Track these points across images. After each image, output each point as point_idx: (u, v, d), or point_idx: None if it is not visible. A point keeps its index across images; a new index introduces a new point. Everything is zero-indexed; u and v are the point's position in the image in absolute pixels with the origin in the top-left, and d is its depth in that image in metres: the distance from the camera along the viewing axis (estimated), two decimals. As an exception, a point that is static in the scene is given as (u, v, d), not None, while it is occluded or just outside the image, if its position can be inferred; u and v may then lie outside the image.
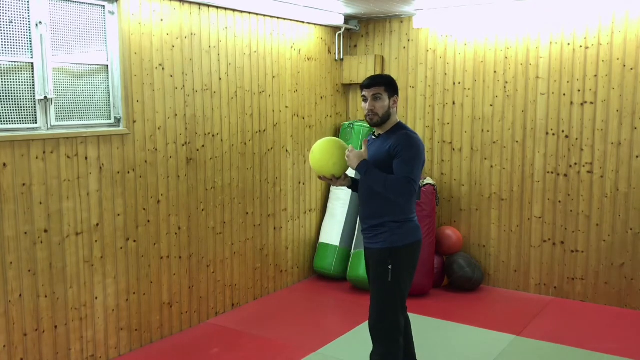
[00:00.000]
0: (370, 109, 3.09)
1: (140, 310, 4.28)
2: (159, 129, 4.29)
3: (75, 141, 3.76)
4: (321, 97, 5.86)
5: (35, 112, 3.59)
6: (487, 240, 5.62)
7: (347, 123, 5.94)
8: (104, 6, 3.91)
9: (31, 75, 3.55)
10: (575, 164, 5.12)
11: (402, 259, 3.09)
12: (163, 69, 4.28)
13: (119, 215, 4.07)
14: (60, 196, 3.71)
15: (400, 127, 3.15)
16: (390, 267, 3.05)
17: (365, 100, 3.12)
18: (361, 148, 3.19)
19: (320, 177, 3.24)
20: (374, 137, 3.23)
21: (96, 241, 3.95)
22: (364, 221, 3.20)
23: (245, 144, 5.04)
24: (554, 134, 5.18)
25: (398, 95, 3.19)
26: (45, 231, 3.65)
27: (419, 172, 3.05)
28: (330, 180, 3.21)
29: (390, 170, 3.04)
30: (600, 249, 5.09)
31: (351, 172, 3.46)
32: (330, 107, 6.00)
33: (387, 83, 3.12)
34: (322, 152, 3.17)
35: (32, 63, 3.55)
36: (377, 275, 3.10)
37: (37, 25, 3.55)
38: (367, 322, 3.25)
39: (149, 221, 4.28)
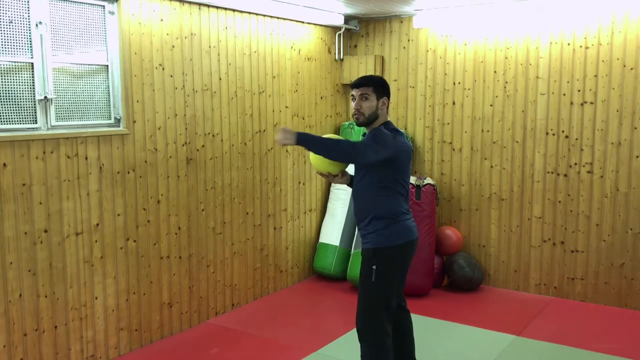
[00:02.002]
0: (357, 108, 3.11)
1: (140, 310, 4.28)
2: (159, 129, 4.29)
3: (75, 141, 3.76)
4: (321, 97, 5.86)
5: (35, 112, 3.59)
6: (487, 240, 5.62)
7: (347, 123, 5.95)
8: (104, 6, 3.91)
9: (31, 75, 3.55)
10: (575, 164, 5.12)
11: (387, 260, 3.06)
12: (163, 69, 4.28)
13: (119, 215, 4.07)
14: (60, 196, 3.71)
15: (385, 124, 3.14)
16: (374, 267, 3.04)
17: (353, 99, 3.15)
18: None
19: (319, 174, 3.31)
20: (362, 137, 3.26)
21: (96, 241, 3.94)
22: (356, 220, 3.24)
23: (245, 144, 5.04)
24: (554, 134, 5.18)
25: (389, 98, 3.17)
26: (45, 231, 3.65)
27: (374, 151, 2.97)
28: (328, 177, 3.28)
29: (378, 173, 3.06)
30: (600, 249, 5.09)
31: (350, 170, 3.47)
32: (330, 107, 5.99)
33: (376, 84, 3.12)
34: None
35: (32, 63, 3.55)
36: (362, 275, 3.11)
37: (37, 25, 3.55)
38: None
39: (149, 221, 4.28)
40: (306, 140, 2.98)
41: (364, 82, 3.12)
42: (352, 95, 3.15)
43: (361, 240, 3.22)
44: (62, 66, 3.73)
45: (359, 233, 3.24)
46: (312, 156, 3.22)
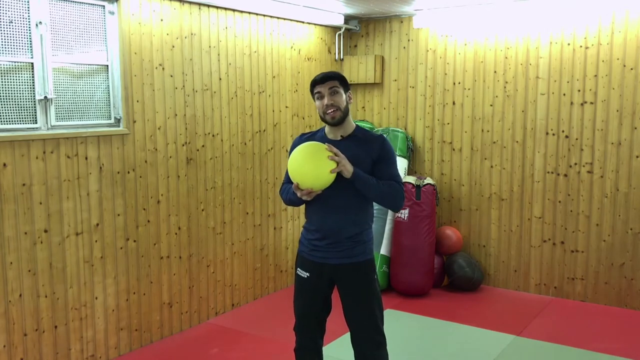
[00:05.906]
0: (330, 103, 2.78)
1: (140, 310, 4.28)
2: (159, 129, 4.29)
3: (75, 141, 3.76)
4: (321, 97, 5.86)
5: (35, 112, 3.59)
6: (487, 240, 5.62)
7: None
8: (104, 6, 3.91)
9: (31, 75, 3.55)
10: (575, 164, 5.12)
11: (375, 269, 3.03)
12: (163, 69, 4.28)
13: (119, 215, 4.07)
14: (60, 196, 3.71)
15: (364, 129, 2.97)
16: (374, 278, 2.98)
17: (320, 97, 2.81)
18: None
19: (300, 191, 2.87)
20: (328, 137, 2.92)
21: (96, 241, 3.95)
22: (339, 232, 2.88)
23: (245, 144, 5.04)
24: (554, 134, 5.18)
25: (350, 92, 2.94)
26: (45, 231, 3.65)
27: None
28: (309, 194, 2.85)
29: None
30: (600, 249, 5.09)
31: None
32: (330, 107, 5.99)
33: (341, 77, 2.87)
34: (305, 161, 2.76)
35: (32, 63, 3.55)
36: (363, 288, 2.97)
37: (37, 25, 3.55)
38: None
39: (149, 221, 4.28)
40: (362, 179, 2.75)
41: (330, 76, 2.81)
42: (318, 92, 2.82)
43: (340, 254, 2.91)
44: (62, 66, 3.72)
45: (335, 246, 2.91)
46: (301, 167, 2.76)
